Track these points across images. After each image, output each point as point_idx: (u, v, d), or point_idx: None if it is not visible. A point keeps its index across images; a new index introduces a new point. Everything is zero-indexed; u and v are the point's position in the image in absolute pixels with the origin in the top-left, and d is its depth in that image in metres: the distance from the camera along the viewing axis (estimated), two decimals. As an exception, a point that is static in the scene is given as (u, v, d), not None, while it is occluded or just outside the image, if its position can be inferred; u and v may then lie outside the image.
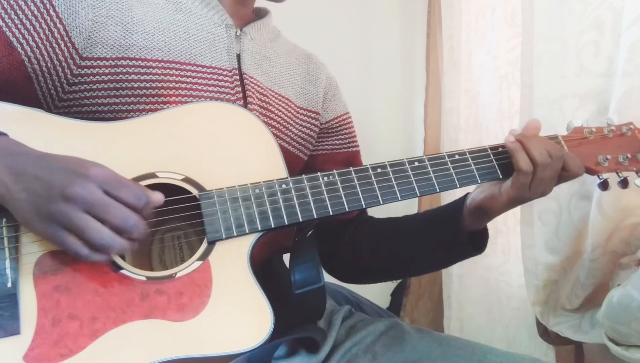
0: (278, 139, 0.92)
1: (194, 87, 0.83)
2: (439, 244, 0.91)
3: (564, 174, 0.83)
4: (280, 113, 0.94)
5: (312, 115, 1.01)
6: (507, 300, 1.61)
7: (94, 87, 0.78)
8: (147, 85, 0.80)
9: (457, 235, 0.88)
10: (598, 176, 0.87)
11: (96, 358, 0.64)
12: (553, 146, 0.81)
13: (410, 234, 0.95)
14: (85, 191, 0.62)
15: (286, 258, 0.86)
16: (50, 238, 0.64)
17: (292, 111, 0.97)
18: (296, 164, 0.98)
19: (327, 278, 1.00)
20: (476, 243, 0.89)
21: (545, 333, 1.36)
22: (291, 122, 0.96)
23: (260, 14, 1.01)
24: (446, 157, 0.82)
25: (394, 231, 0.98)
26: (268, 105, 0.92)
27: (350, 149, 1.07)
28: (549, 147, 0.80)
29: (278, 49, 1.00)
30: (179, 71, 0.83)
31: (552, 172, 0.81)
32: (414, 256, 0.95)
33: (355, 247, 0.99)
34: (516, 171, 0.80)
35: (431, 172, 0.81)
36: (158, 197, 0.68)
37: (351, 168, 0.79)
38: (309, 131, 1.00)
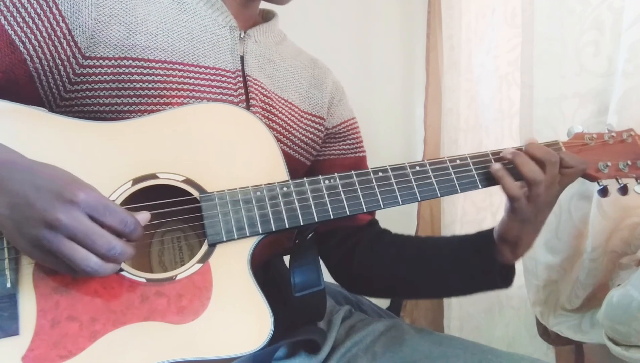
0: (280, 143, 0.91)
1: (196, 88, 0.83)
2: (467, 271, 0.88)
3: (566, 172, 0.81)
4: (283, 117, 0.93)
5: (317, 120, 1.00)
6: (507, 300, 1.61)
7: (96, 86, 0.78)
8: (149, 85, 0.79)
9: (488, 263, 0.84)
10: (598, 183, 0.87)
11: (95, 359, 0.63)
12: (544, 152, 0.79)
13: (434, 257, 0.91)
14: (69, 218, 0.60)
15: (287, 259, 0.86)
16: (38, 261, 0.64)
17: (296, 115, 0.96)
18: (298, 170, 0.97)
19: (327, 278, 1.00)
20: (503, 275, 0.86)
21: (545, 333, 1.36)
22: (295, 126, 0.95)
23: (267, 17, 1.00)
24: (447, 162, 0.82)
25: (416, 252, 0.94)
26: (271, 107, 0.91)
27: (357, 154, 1.06)
28: (541, 155, 0.78)
29: (283, 52, 0.99)
30: (182, 72, 0.82)
31: (548, 183, 0.79)
32: (436, 280, 0.91)
33: (373, 264, 0.96)
34: (507, 198, 0.79)
35: (432, 177, 0.81)
36: (144, 217, 0.67)
37: (352, 172, 0.79)
38: (313, 136, 0.99)
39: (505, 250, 0.84)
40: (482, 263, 0.86)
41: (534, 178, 0.77)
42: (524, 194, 0.79)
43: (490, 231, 0.86)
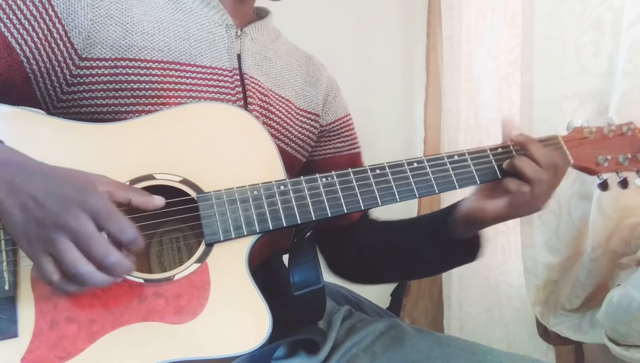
0: (277, 140, 0.92)
1: (193, 88, 0.83)
2: (434, 248, 0.92)
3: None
4: (280, 114, 0.93)
5: (312, 117, 1.00)
6: (507, 300, 1.61)
7: (93, 87, 0.78)
8: (147, 86, 0.79)
9: (448, 240, 0.88)
10: (598, 177, 0.87)
11: (94, 361, 0.63)
12: (552, 157, 0.80)
13: (408, 237, 0.96)
14: (76, 222, 0.60)
15: (285, 258, 0.86)
16: (29, 257, 0.63)
17: (292, 112, 0.96)
18: (294, 166, 0.97)
19: (327, 278, 1.00)
20: (470, 249, 0.89)
21: (545, 333, 1.36)
22: (291, 123, 0.95)
23: (261, 14, 1.00)
24: (445, 158, 0.81)
25: (393, 235, 0.98)
26: (269, 105, 0.91)
27: (352, 151, 1.06)
28: (548, 159, 0.79)
29: (278, 49, 0.99)
30: (179, 72, 0.82)
31: (548, 186, 0.80)
32: (412, 259, 0.96)
33: (360, 250, 0.99)
34: (513, 194, 0.79)
35: (430, 173, 0.80)
36: (159, 202, 0.68)
37: (350, 169, 0.78)
38: (308, 132, 0.99)
39: (463, 226, 0.87)
40: (442, 238, 0.89)
41: (539, 177, 0.79)
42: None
43: (453, 206, 0.89)
